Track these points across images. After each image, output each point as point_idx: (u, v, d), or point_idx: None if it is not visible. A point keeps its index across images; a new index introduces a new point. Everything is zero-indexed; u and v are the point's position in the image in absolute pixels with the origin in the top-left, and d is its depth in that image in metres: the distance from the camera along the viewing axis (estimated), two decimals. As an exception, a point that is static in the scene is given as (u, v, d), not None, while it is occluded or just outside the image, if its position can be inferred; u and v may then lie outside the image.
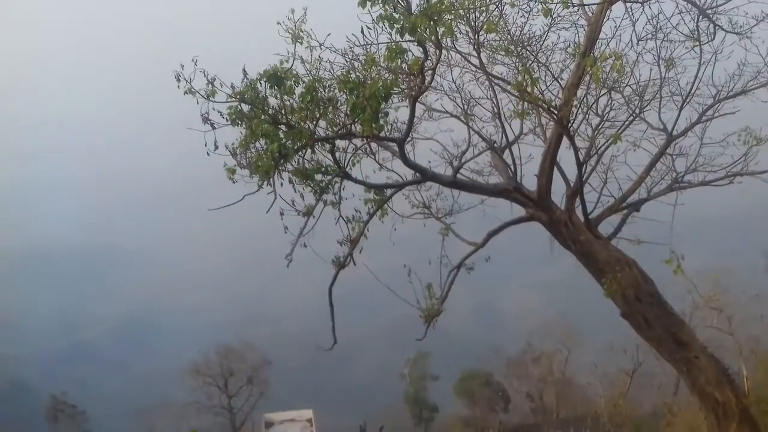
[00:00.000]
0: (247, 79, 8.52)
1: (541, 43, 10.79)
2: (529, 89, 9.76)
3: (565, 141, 10.53)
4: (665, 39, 10.88)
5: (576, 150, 10.68)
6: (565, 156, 10.99)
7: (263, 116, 8.58)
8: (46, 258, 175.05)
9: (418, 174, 10.80)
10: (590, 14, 9.76)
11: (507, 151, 11.81)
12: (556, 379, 56.59)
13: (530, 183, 11.41)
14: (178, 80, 8.24)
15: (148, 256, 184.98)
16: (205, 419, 56.39)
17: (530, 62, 10.84)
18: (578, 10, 9.73)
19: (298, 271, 10.38)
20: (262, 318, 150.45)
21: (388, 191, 11.04)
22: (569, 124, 10.19)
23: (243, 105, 8.60)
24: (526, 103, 10.99)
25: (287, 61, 8.57)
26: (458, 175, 11.24)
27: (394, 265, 12.03)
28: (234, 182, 9.15)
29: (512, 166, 11.54)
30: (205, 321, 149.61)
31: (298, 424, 48.50)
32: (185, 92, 8.32)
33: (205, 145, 8.70)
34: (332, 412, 74.41)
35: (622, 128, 11.51)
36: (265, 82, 8.47)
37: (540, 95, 9.96)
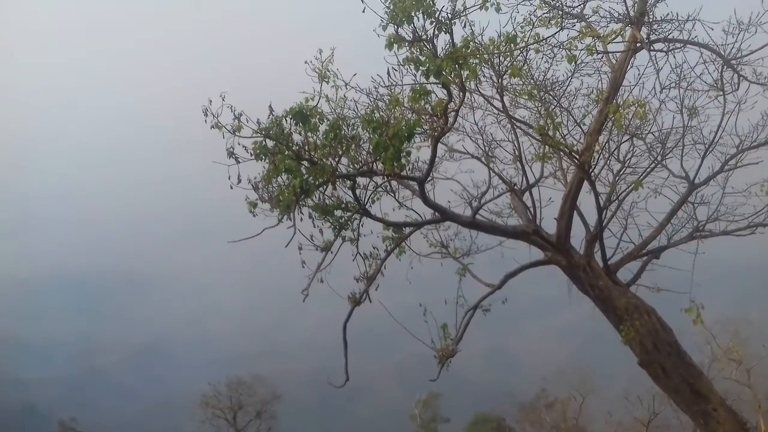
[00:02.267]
0: (273, 115, 8.68)
1: (564, 88, 10.88)
2: (551, 133, 9.81)
3: (585, 185, 10.53)
4: (689, 88, 10.94)
5: (597, 195, 10.67)
6: (586, 200, 10.98)
7: (287, 152, 8.71)
8: (63, 283, 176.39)
9: (437, 213, 10.83)
10: (614, 61, 9.85)
11: (527, 194, 11.82)
12: (569, 426, 55.44)
13: (549, 226, 11.39)
14: (206, 115, 8.42)
15: (166, 286, 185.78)
16: (212, 454, 55.85)
17: (553, 107, 10.93)
18: (602, 57, 9.84)
19: (313, 305, 10.38)
20: (275, 352, 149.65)
21: (407, 229, 11.07)
22: (590, 169, 10.20)
23: (268, 140, 8.73)
24: (547, 147, 11.04)
25: (312, 99, 8.74)
26: (477, 216, 11.25)
27: (410, 304, 11.98)
28: (254, 215, 9.25)
29: (532, 209, 11.53)
30: (217, 352, 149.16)
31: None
32: (212, 127, 8.49)
33: (229, 179, 8.83)
34: (339, 451, 73.30)
35: (644, 175, 11.51)
36: (290, 118, 8.63)
37: (562, 139, 10.01)
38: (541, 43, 9.81)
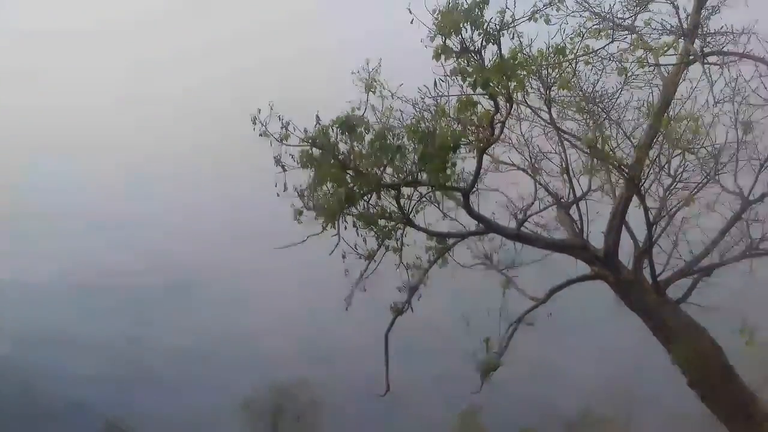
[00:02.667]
0: (320, 124, 8.78)
1: (614, 100, 10.70)
2: (600, 146, 9.66)
3: (634, 200, 10.32)
4: (744, 102, 10.61)
5: (646, 210, 10.43)
6: (635, 215, 10.75)
7: (332, 161, 8.80)
8: (110, 285, 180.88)
9: (481, 225, 10.75)
10: (666, 74, 9.64)
11: (574, 207, 11.62)
12: (614, 445, 54.14)
13: (596, 241, 11.17)
14: (254, 123, 8.58)
15: (213, 289, 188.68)
16: (253, 456, 56.26)
17: (602, 119, 10.74)
18: (654, 69, 9.64)
19: (355, 313, 10.42)
20: (317, 357, 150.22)
21: (450, 240, 11.02)
22: (640, 184, 9.99)
23: (314, 149, 8.84)
24: (596, 160, 10.85)
25: (359, 109, 8.81)
26: (522, 228, 11.12)
27: (452, 315, 11.89)
28: (300, 223, 9.36)
29: (579, 223, 11.34)
30: (260, 357, 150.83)
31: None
32: (260, 135, 8.64)
33: (275, 186, 8.96)
34: (379, 459, 72.88)
35: (696, 190, 11.19)
36: (336, 128, 8.72)
37: (611, 152, 9.84)
38: (591, 55, 9.68)
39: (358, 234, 9.70)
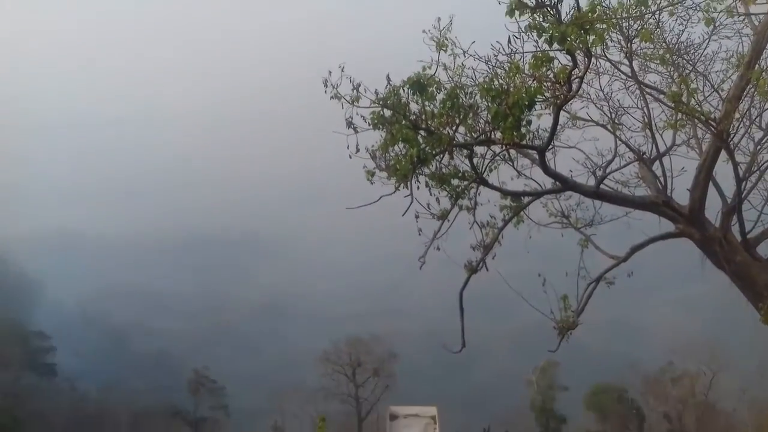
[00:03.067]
0: (391, 85, 8.71)
1: (700, 52, 10.09)
2: (685, 99, 9.16)
3: (722, 155, 9.80)
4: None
5: (735, 165, 9.91)
6: (723, 170, 10.23)
7: (404, 121, 8.74)
8: (192, 242, 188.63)
9: (558, 183, 10.49)
10: (757, 23, 8.99)
11: (657, 163, 11.15)
12: (698, 401, 52.93)
13: (681, 197, 10.73)
14: (326, 85, 8.60)
15: (289, 248, 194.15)
16: (332, 405, 58.40)
17: (687, 72, 10.17)
18: (743, 18, 9.00)
19: (429, 270, 10.48)
20: (392, 313, 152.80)
21: (526, 199, 10.84)
22: (729, 138, 9.46)
23: (385, 110, 8.79)
24: (681, 114, 10.31)
25: (430, 68, 8.67)
26: (602, 186, 10.78)
27: (528, 274, 11.79)
28: (372, 183, 9.41)
29: (662, 179, 10.89)
30: (337, 312, 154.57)
31: (421, 420, 48.69)
32: (331, 97, 8.66)
33: (347, 148, 9.00)
34: (456, 410, 74.19)
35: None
36: (407, 88, 8.62)
37: (697, 106, 9.33)
38: (676, 5, 9.12)
39: (430, 194, 9.66)
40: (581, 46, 7.65)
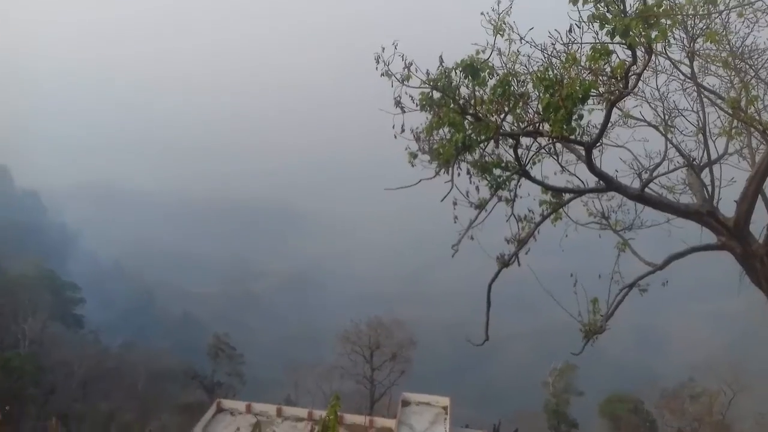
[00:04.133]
0: (443, 66, 8.55)
1: (765, 57, 9.70)
2: (744, 106, 8.83)
3: (776, 169, 9.44)
4: None
5: (788, 180, 9.55)
6: (773, 185, 9.88)
7: (452, 105, 8.59)
8: (225, 207, 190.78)
9: (601, 182, 10.24)
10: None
11: (706, 171, 10.82)
12: (714, 421, 51.96)
13: (727, 208, 10.40)
14: (377, 62, 8.47)
15: (323, 222, 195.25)
16: (347, 385, 58.71)
17: (749, 77, 9.79)
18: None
19: (459, 259, 10.38)
20: (416, 298, 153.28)
21: (566, 195, 10.62)
22: (786, 151, 9.12)
23: (434, 92, 8.65)
24: (737, 122, 9.96)
25: (484, 52, 8.48)
26: (646, 189, 10.50)
27: (559, 273, 11.61)
28: (413, 166, 9.31)
29: (709, 187, 10.57)
30: (363, 291, 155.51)
31: (433, 409, 48.76)
32: (382, 74, 8.54)
33: (393, 128, 8.89)
34: (468, 403, 74.29)
35: None
36: (459, 71, 8.46)
37: (756, 115, 8.99)
38: (745, 6, 8.76)
39: (470, 182, 9.52)
40: (643, 41, 7.40)
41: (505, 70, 8.70)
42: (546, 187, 10.22)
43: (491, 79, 8.52)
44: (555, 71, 8.42)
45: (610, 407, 59.54)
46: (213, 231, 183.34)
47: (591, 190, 10.63)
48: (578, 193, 10.62)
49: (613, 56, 8.02)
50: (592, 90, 8.05)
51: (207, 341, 72.98)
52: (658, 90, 11.18)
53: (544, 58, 8.89)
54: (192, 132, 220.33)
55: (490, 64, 8.46)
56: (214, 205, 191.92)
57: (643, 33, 7.16)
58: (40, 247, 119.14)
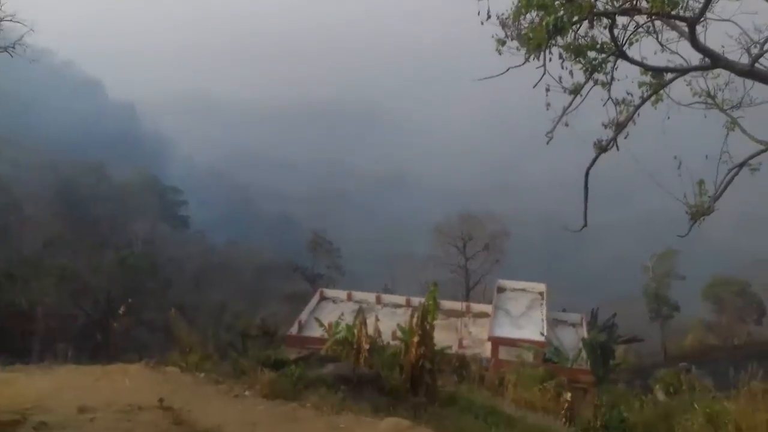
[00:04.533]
0: (532, -56, 8.09)
1: None
2: None
3: None
4: None
5: None
6: None
7: (541, -15, 8.18)
8: (316, 111, 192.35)
9: (707, 59, 9.59)
10: None
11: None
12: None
13: None
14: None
15: (409, 121, 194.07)
16: (442, 274, 60.14)
17: None
18: None
19: (549, 150, 10.22)
20: (507, 190, 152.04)
21: (668, 75, 10.03)
22: None
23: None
24: None
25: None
26: (756, 64, 9.75)
27: (660, 156, 11.22)
28: (500, 54, 9.05)
29: (828, 59, 9.69)
30: (453, 187, 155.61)
31: (529, 295, 49.52)
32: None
33: (478, 14, 8.60)
34: (564, 291, 74.61)
35: None
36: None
37: None
38: None
39: (563, 67, 9.18)
40: None
41: (601, -58, 8.13)
42: (645, 68, 9.69)
43: (584, -47, 8.00)
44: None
45: (713, 290, 58.41)
46: (302, 135, 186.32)
47: (695, 68, 10.00)
48: (681, 72, 10.01)
49: None
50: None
51: (305, 238, 76.30)
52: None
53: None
54: (279, 38, 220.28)
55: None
56: (302, 109, 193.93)
57: None
58: (139, 156, 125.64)
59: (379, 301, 51.07)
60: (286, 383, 10.48)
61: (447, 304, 46.54)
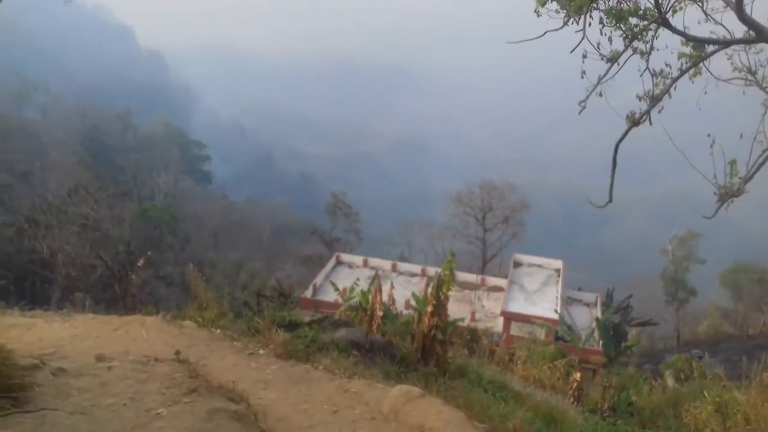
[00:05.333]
0: None
1: None
2: None
3: None
4: None
5: None
6: None
7: (587, -57, 7.78)
8: (337, 69, 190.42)
9: (751, 32, 9.15)
10: None
11: None
12: None
13: None
14: None
15: (435, 83, 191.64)
16: (459, 245, 60.06)
17: None
18: None
19: (576, 123, 9.88)
20: (530, 163, 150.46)
21: (710, 48, 9.60)
22: None
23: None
24: None
25: None
26: (805, 40, 9.29)
27: (693, 133, 10.86)
28: (538, 16, 8.71)
29: None
30: (473, 154, 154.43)
31: (545, 271, 49.22)
32: None
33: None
34: (581, 268, 74.24)
35: None
36: None
37: None
38: None
39: (602, 33, 8.81)
40: None
41: None
42: (687, 38, 9.27)
43: None
44: None
45: (732, 276, 57.65)
46: (326, 92, 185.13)
47: (739, 41, 9.54)
48: (724, 44, 9.56)
49: None
50: None
51: (324, 199, 76.27)
52: None
53: None
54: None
55: None
56: (327, 66, 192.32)
57: None
58: (165, 106, 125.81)
59: (394, 268, 51.13)
60: (300, 345, 10.49)
61: (462, 275, 46.46)
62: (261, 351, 9.97)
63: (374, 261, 51.86)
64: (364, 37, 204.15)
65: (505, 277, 49.33)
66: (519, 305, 43.61)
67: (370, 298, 14.97)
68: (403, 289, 35.39)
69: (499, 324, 42.22)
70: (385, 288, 16.98)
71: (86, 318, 10.68)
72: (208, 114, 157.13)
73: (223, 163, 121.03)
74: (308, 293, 44.42)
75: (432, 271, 45.90)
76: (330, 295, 36.36)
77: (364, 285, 18.14)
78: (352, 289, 19.61)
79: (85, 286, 39.62)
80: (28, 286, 41.67)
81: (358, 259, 52.22)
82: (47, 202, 48.67)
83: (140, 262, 19.92)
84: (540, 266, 49.89)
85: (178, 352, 7.75)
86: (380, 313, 14.39)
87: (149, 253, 28.50)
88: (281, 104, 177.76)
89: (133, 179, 76.73)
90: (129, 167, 78.42)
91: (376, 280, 15.17)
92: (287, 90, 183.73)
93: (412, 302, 19.04)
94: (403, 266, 52.41)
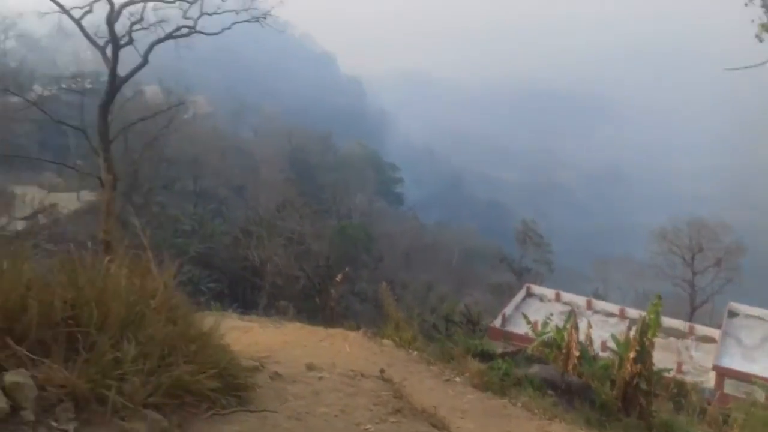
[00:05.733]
0: None
1: None
2: None
3: None
4: None
5: None
6: None
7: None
8: (530, 96, 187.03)
9: None
10: None
11: None
12: None
13: None
14: None
15: (635, 111, 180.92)
16: (663, 286, 55.36)
17: None
18: None
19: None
20: (747, 200, 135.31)
21: None
22: None
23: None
24: None
25: None
26: None
27: None
28: (760, 41, 7.83)
29: None
30: (681, 188, 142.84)
31: (765, 325, 43.78)
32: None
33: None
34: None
35: None
36: None
37: None
38: None
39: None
40: None
41: None
42: None
43: None
44: None
45: None
46: (518, 119, 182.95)
47: None
48: None
49: None
50: None
51: (513, 227, 74.83)
52: None
53: None
54: (498, 17, 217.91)
55: None
56: (520, 94, 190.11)
57: None
58: (362, 129, 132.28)
59: (589, 306, 48.55)
60: (494, 377, 10.19)
61: (667, 320, 42.84)
62: (457, 378, 9.86)
63: (567, 296, 49.74)
64: (558, 63, 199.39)
65: (718, 327, 44.72)
66: (735, 361, 39.31)
67: (565, 335, 14.27)
68: (599, 329, 33.25)
69: (710, 379, 38.31)
70: (582, 326, 15.96)
71: (295, 326, 11.28)
72: (402, 138, 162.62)
73: (415, 185, 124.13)
74: (497, 323, 43.73)
75: (632, 312, 43.01)
76: (520, 327, 35.37)
77: (557, 320, 17.36)
78: (545, 324, 18.85)
79: (289, 295, 42.49)
80: (240, 291, 45.62)
81: (549, 292, 50.43)
82: (258, 215, 53.07)
83: (339, 277, 20.79)
84: (761, 319, 44.52)
85: (382, 371, 7.85)
86: (577, 353, 13.64)
87: (347, 269, 29.81)
88: (472, 130, 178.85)
89: (332, 198, 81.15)
90: (329, 186, 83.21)
91: (572, 317, 14.42)
92: (478, 115, 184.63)
93: (610, 344, 17.83)
94: (599, 304, 49.62)
